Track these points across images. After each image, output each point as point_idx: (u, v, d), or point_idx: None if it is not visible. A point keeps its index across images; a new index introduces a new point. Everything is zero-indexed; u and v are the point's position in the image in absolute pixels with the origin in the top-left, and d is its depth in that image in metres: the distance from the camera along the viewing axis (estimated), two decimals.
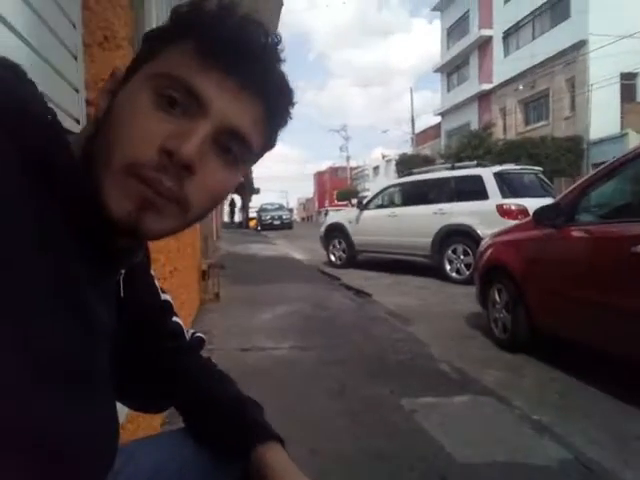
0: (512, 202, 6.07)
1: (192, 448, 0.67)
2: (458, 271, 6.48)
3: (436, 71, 29.55)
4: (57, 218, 0.42)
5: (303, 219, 64.04)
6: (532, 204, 5.62)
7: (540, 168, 7.30)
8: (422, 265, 7.18)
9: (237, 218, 28.38)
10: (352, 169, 51.47)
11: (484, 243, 3.99)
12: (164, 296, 0.72)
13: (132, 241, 0.50)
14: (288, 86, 0.51)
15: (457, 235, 6.53)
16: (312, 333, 3.69)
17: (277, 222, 25.69)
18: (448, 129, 27.65)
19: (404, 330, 3.81)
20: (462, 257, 6.42)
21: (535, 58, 19.49)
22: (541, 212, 3.08)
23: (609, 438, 2.06)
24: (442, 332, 3.85)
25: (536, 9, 20.36)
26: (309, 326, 3.93)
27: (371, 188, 35.65)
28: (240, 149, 0.48)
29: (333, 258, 8.58)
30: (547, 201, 5.41)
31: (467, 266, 6.28)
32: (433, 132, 30.33)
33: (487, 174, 6.45)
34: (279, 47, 0.49)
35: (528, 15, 20.90)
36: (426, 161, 23.05)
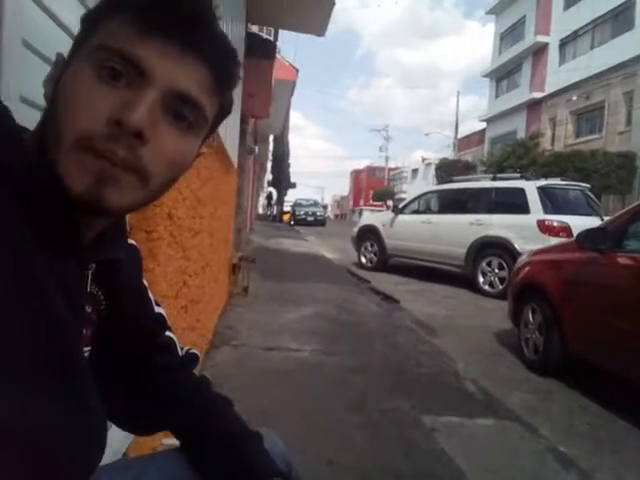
0: (554, 218, 5.85)
1: None
2: (491, 284, 6.32)
3: (485, 76, 28.77)
4: (14, 211, 0.42)
5: (337, 216, 64.05)
6: (576, 222, 5.44)
7: (588, 185, 7.01)
8: (453, 275, 7.04)
9: (273, 211, 28.70)
10: (390, 170, 51.01)
11: (522, 259, 3.87)
12: (157, 309, 0.71)
13: (96, 222, 0.50)
14: (230, 46, 0.50)
15: (493, 247, 6.37)
16: (336, 337, 3.68)
17: (310, 218, 25.78)
18: (492, 136, 26.93)
19: (430, 342, 3.75)
20: (497, 270, 6.25)
21: (591, 69, 18.69)
22: (586, 234, 2.95)
23: (638, 477, 1.96)
24: (469, 347, 3.76)
25: (598, 17, 19.50)
26: (334, 330, 3.92)
27: (408, 190, 35.30)
28: (192, 114, 0.47)
29: (364, 260, 8.53)
30: (593, 220, 5.24)
31: (501, 280, 6.12)
32: (476, 138, 29.62)
33: (530, 187, 6.24)
34: (214, 7, 0.49)
35: (589, 23, 20.03)
36: (467, 167, 22.56)
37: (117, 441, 1.15)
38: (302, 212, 26.35)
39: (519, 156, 17.89)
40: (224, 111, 0.54)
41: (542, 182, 6.46)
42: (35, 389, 0.41)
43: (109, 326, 0.60)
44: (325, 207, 36.23)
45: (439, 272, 7.33)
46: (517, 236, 6.04)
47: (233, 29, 3.07)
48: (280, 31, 7.13)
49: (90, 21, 0.48)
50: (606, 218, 4.32)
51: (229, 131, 3.30)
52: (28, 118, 0.51)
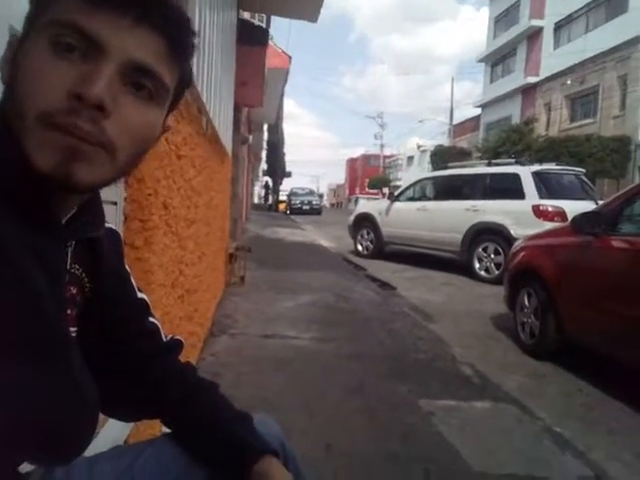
0: (549, 203, 5.87)
1: None
2: (487, 270, 6.35)
3: (480, 61, 28.60)
4: None
5: (333, 205, 63.94)
6: (571, 206, 5.45)
7: (583, 170, 7.02)
8: (449, 261, 7.07)
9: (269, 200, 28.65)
10: (386, 157, 50.87)
11: (517, 245, 3.88)
12: (140, 294, 0.71)
13: (69, 199, 0.50)
14: (184, 15, 0.50)
15: (489, 233, 6.39)
16: (334, 324, 3.70)
17: (306, 207, 25.75)
18: (488, 122, 26.85)
19: (427, 327, 3.77)
20: (492, 256, 6.28)
21: (586, 53, 18.61)
22: (581, 218, 2.96)
23: (632, 457, 1.99)
24: (466, 332, 3.79)
25: (592, 1, 19.39)
26: (331, 317, 3.94)
27: (404, 178, 35.23)
28: (152, 84, 0.47)
29: (360, 248, 8.55)
30: (587, 204, 5.25)
31: (497, 265, 6.15)
32: (471, 124, 29.53)
33: (525, 173, 6.25)
34: None
35: (583, 7, 19.92)
36: (462, 154, 22.53)
37: (116, 430, 1.16)
38: (298, 201, 26.31)
39: (514, 142, 17.89)
40: (185, 82, 0.54)
41: (537, 167, 6.47)
42: (19, 361, 0.42)
43: (94, 309, 0.60)
44: (321, 196, 36.16)
45: (435, 259, 7.36)
46: (512, 221, 6.06)
47: (224, 16, 3.02)
48: (272, 18, 7.05)
49: None
50: (601, 202, 4.33)
51: (222, 119, 3.27)
52: None
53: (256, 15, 6.19)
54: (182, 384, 0.70)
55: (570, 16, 20.64)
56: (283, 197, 29.56)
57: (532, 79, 22.40)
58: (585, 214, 2.99)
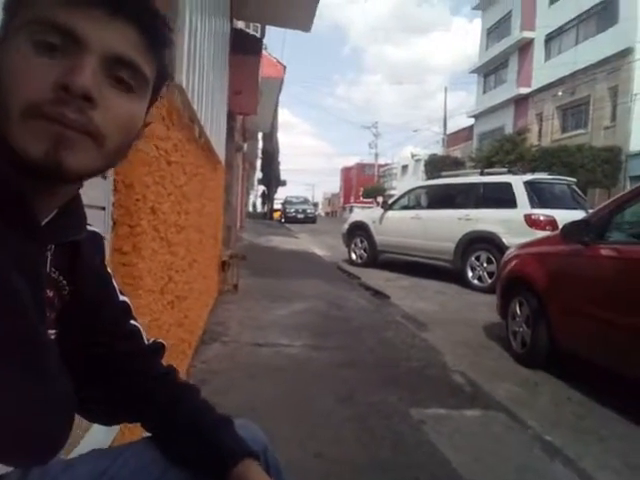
0: (541, 212, 5.91)
1: None
2: (480, 279, 6.37)
3: (473, 72, 28.92)
4: None
5: (327, 214, 64.06)
6: (562, 216, 5.49)
7: (574, 179, 7.09)
8: (443, 269, 7.08)
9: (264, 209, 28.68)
10: (380, 166, 51.10)
11: (509, 253, 3.90)
12: (122, 297, 0.71)
13: (52, 199, 0.50)
14: (157, 8, 0.52)
15: (481, 242, 6.42)
16: (326, 333, 3.69)
17: (301, 216, 25.77)
18: (481, 132, 27.10)
19: (419, 336, 3.77)
20: (485, 265, 6.31)
21: (577, 64, 18.87)
22: (570, 227, 2.98)
23: (622, 465, 1.99)
24: (458, 340, 3.79)
25: (582, 13, 19.66)
26: (324, 325, 3.92)
27: (398, 187, 35.38)
28: (133, 75, 0.49)
29: (354, 256, 8.56)
30: (578, 213, 5.29)
31: (490, 274, 6.17)
32: (465, 134, 29.79)
33: (517, 182, 6.30)
34: None
35: (573, 19, 20.20)
36: (456, 163, 22.67)
37: (101, 435, 1.15)
38: (293, 210, 26.33)
39: (507, 151, 18.03)
40: (163, 75, 0.55)
41: (529, 177, 6.52)
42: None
43: (72, 311, 0.60)
44: (316, 205, 36.26)
45: (429, 267, 7.37)
46: (505, 230, 6.09)
47: (216, 23, 3.05)
48: (268, 30, 7.11)
49: None
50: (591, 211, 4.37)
51: (215, 127, 3.28)
52: None
53: (250, 25, 6.25)
54: (163, 387, 0.70)
55: (561, 28, 20.93)
56: (278, 206, 29.59)
57: (524, 90, 22.66)
58: (574, 223, 3.01)
